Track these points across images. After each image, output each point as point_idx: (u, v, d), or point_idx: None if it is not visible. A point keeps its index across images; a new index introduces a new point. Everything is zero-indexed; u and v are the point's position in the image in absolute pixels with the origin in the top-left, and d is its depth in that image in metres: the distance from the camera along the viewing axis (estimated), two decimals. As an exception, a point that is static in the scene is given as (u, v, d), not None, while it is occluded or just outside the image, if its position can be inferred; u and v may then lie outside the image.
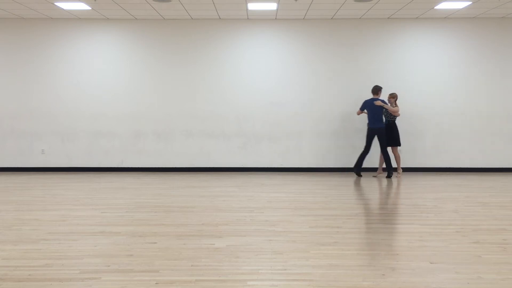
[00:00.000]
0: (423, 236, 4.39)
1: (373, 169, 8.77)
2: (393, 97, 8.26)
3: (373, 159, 8.70)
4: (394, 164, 8.40)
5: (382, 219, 5.10)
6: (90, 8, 7.94)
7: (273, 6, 7.86)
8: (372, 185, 7.43)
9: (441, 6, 7.86)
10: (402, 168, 8.88)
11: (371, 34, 8.89)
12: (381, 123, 8.14)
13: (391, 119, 8.24)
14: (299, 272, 3.42)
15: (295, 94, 8.90)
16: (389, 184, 7.56)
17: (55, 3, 7.66)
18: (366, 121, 8.40)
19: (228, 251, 3.90)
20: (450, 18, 8.78)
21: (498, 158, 8.99)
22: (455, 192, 6.86)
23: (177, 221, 4.97)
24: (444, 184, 7.56)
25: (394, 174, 8.34)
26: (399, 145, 8.27)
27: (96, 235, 4.42)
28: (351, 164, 9.00)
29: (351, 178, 8.23)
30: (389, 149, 8.27)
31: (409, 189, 7.14)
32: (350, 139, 8.97)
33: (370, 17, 8.72)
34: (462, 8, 8.01)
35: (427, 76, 8.92)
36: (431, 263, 3.62)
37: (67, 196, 6.49)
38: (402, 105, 8.90)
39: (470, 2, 7.63)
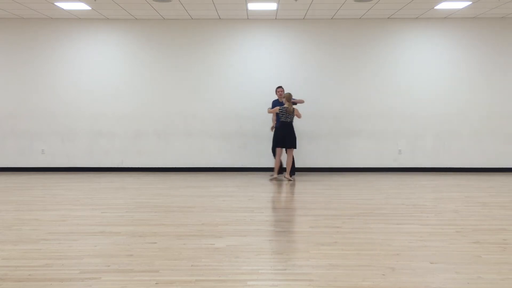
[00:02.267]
0: (423, 236, 4.39)
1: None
2: (283, 96, 7.94)
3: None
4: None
5: (382, 219, 5.09)
6: (90, 8, 7.94)
7: (273, 6, 7.86)
8: (371, 185, 7.43)
9: (441, 6, 7.86)
10: (400, 168, 8.94)
11: (371, 34, 8.88)
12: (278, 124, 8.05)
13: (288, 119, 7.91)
14: (299, 272, 3.42)
15: (294, 93, 8.87)
16: (388, 185, 7.56)
17: (55, 3, 7.66)
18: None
19: (228, 251, 3.91)
20: (450, 18, 8.78)
21: (498, 158, 8.99)
22: (455, 192, 6.87)
23: (177, 221, 4.97)
24: (444, 184, 7.56)
25: (272, 174, 8.20)
26: (294, 147, 7.95)
27: (96, 235, 4.43)
28: (352, 164, 9.02)
29: (351, 177, 8.23)
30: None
31: (409, 189, 7.14)
32: (349, 139, 8.98)
33: (370, 17, 8.72)
34: (462, 8, 8.01)
35: (427, 76, 8.92)
36: (431, 263, 3.62)
37: (67, 196, 6.49)
38: (402, 104, 8.93)
39: (470, 2, 7.63)
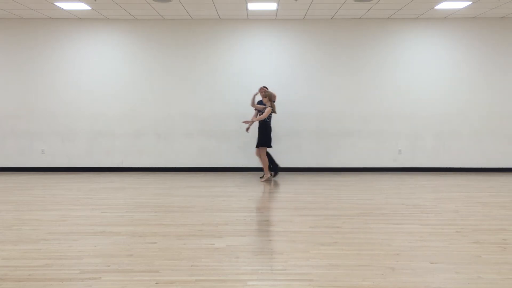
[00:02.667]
0: (423, 236, 4.39)
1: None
2: (266, 96, 7.76)
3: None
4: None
5: (382, 219, 5.10)
6: (90, 8, 7.94)
7: (273, 6, 7.85)
8: (371, 185, 7.43)
9: (441, 6, 7.86)
10: (400, 168, 8.96)
11: (371, 34, 8.88)
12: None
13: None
14: (299, 272, 3.42)
15: (295, 93, 8.90)
16: (388, 185, 7.56)
17: (55, 3, 7.66)
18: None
19: (228, 251, 3.91)
20: (450, 18, 8.78)
21: (498, 158, 8.99)
22: (455, 192, 6.87)
23: (177, 221, 4.97)
24: (444, 184, 7.56)
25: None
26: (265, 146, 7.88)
27: (96, 235, 4.43)
28: (352, 164, 9.02)
29: (351, 177, 8.23)
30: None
31: (409, 189, 7.14)
32: (349, 139, 8.98)
33: (370, 17, 8.72)
34: (462, 8, 8.01)
35: (427, 76, 8.92)
36: (431, 263, 3.62)
37: (67, 196, 6.49)
38: (402, 104, 8.93)
39: (470, 2, 7.63)
